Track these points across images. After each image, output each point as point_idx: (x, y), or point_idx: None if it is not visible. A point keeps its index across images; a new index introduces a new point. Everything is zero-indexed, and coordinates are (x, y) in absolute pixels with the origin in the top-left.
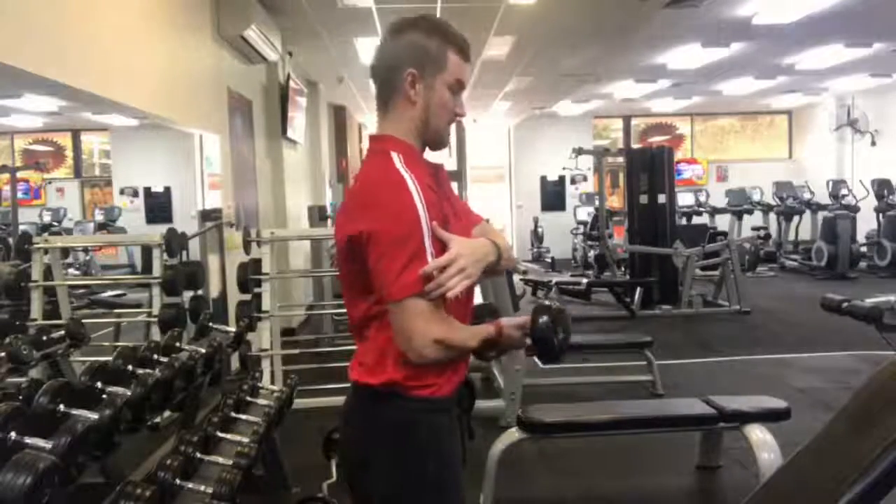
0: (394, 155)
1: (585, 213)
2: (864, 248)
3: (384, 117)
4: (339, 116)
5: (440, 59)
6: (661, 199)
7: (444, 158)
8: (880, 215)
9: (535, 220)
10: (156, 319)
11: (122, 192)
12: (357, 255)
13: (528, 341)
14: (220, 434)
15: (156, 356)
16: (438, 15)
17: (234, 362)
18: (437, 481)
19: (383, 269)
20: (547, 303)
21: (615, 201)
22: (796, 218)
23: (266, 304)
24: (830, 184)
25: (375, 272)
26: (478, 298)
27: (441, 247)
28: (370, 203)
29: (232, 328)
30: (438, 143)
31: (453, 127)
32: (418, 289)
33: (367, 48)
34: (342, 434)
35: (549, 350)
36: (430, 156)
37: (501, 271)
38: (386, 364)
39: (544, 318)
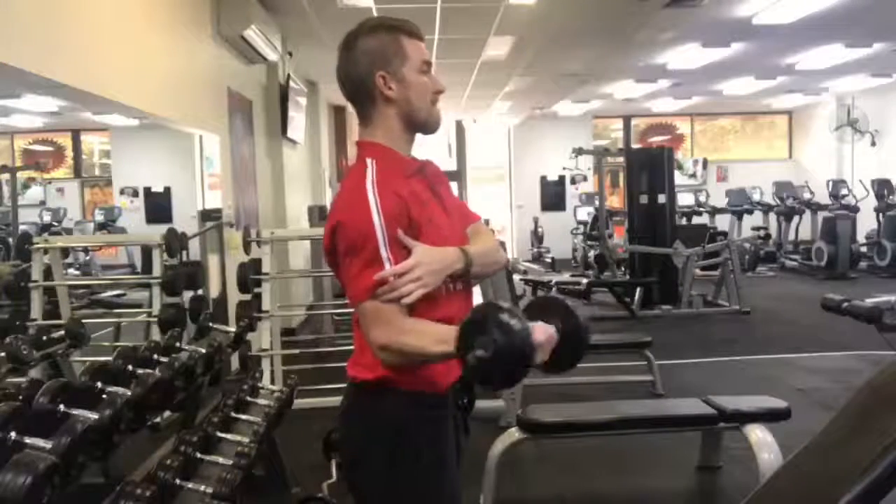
0: (368, 162)
1: (585, 213)
2: (864, 248)
3: (367, 125)
4: (339, 116)
5: (399, 50)
6: (661, 199)
7: (444, 159)
8: (880, 215)
9: (535, 221)
10: (156, 319)
11: (122, 192)
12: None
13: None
14: (220, 434)
15: (156, 356)
16: (438, 15)
17: (234, 362)
18: (431, 477)
19: (343, 274)
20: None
21: (615, 201)
22: (796, 218)
23: (266, 304)
24: (830, 184)
25: (342, 277)
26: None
27: (406, 253)
28: (336, 213)
29: (232, 328)
30: (432, 126)
31: (453, 127)
32: (370, 294)
33: None
34: (340, 430)
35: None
36: (425, 152)
37: (482, 276)
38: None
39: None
